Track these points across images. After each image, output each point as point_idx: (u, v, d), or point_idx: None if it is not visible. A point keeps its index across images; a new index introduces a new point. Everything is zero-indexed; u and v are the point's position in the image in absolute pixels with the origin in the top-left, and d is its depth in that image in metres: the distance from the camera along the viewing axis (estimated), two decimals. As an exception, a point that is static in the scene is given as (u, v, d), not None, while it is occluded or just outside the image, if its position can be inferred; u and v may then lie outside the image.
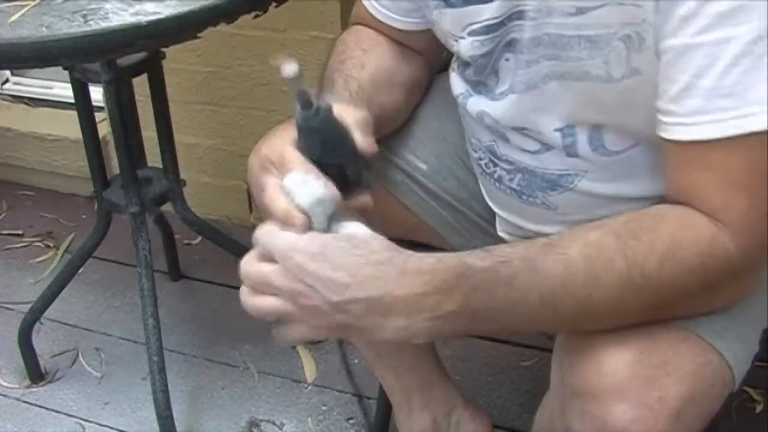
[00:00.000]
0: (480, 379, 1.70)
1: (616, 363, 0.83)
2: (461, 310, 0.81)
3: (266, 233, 0.85)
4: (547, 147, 0.98)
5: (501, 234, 1.13)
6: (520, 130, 0.99)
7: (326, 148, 0.86)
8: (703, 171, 0.81)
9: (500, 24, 0.94)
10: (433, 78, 1.25)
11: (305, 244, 0.82)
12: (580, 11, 0.86)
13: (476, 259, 0.82)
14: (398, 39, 1.14)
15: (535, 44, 0.91)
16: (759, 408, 1.58)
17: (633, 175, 0.97)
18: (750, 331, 0.94)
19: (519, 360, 1.74)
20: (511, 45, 0.95)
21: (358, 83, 1.05)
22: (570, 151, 0.97)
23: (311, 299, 0.81)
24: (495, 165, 1.05)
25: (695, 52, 0.78)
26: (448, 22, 1.00)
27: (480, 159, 1.08)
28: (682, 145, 0.81)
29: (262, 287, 0.84)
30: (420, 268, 0.81)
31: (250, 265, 0.86)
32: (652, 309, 0.83)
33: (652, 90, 0.84)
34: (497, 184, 1.06)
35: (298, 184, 0.85)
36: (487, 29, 0.95)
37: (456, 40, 1.00)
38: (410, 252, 0.83)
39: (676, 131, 0.81)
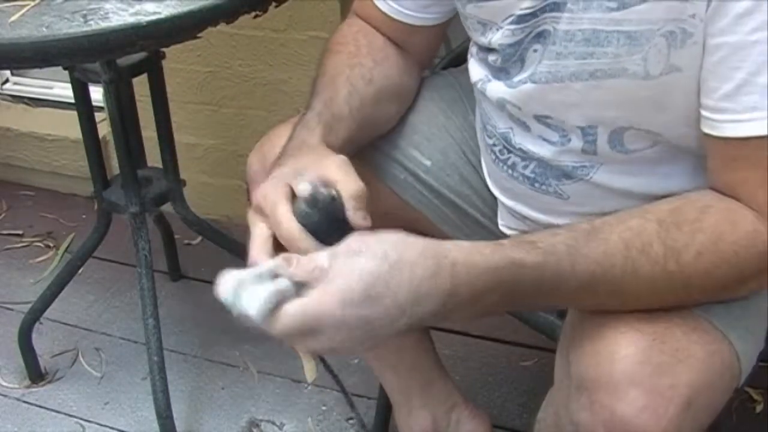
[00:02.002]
0: (480, 379, 1.70)
1: (628, 348, 0.83)
2: (504, 302, 0.82)
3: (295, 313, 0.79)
4: (565, 140, 0.98)
5: (502, 228, 1.14)
6: (544, 119, 0.98)
7: (320, 232, 0.86)
8: (750, 169, 0.82)
9: (533, 15, 0.93)
10: (440, 74, 1.26)
11: (339, 298, 0.77)
12: (622, 6, 0.85)
13: (523, 253, 0.81)
14: (402, 38, 1.13)
15: (568, 39, 0.91)
16: (759, 408, 1.58)
17: (648, 172, 0.97)
18: (758, 325, 0.94)
19: (519, 360, 1.74)
20: (541, 36, 0.94)
21: (360, 100, 1.05)
22: (587, 148, 0.97)
23: (377, 330, 0.78)
24: (509, 152, 1.05)
25: (752, 49, 0.79)
26: (486, 14, 0.99)
27: (494, 145, 1.07)
28: (730, 142, 0.82)
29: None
30: (469, 277, 0.79)
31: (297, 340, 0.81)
32: (681, 295, 0.84)
33: (690, 87, 0.84)
34: (510, 171, 1.06)
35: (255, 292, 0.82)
36: (519, 19, 0.95)
37: (493, 30, 0.99)
38: (450, 250, 0.79)
39: (729, 128, 0.82)
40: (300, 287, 0.79)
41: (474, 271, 0.79)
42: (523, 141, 1.02)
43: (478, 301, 0.80)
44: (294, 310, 0.78)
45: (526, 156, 1.03)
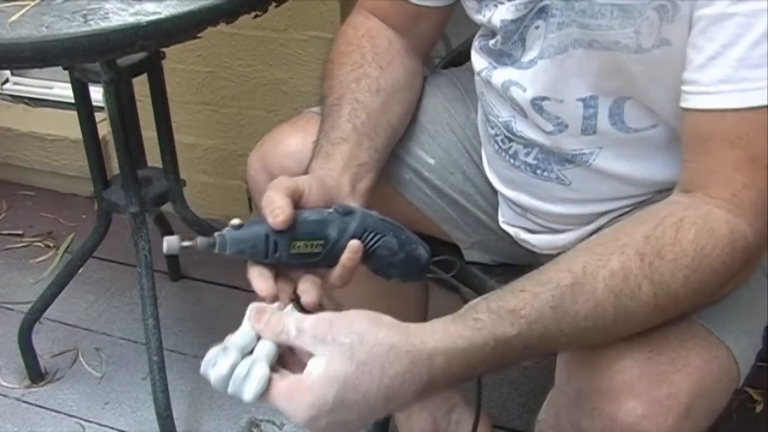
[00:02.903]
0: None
1: (625, 360, 0.83)
2: (489, 371, 0.80)
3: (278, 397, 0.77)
4: (561, 127, 0.98)
5: (503, 226, 1.14)
6: (540, 101, 0.98)
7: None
8: (725, 149, 0.80)
9: None
10: (441, 72, 1.26)
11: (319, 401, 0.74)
12: None
13: (507, 326, 0.78)
14: (408, 24, 1.12)
15: (569, 7, 0.90)
16: (759, 408, 1.58)
17: (648, 156, 0.97)
18: (754, 325, 0.94)
19: (519, 360, 1.73)
20: (542, 12, 0.94)
21: (366, 113, 1.04)
22: (588, 126, 0.96)
23: (354, 424, 0.77)
24: (510, 141, 1.05)
25: (728, 21, 0.78)
26: None
27: (496, 135, 1.07)
28: (703, 117, 0.81)
29: None
30: (450, 366, 0.77)
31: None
32: (672, 316, 0.84)
33: (679, 62, 0.84)
34: (512, 160, 1.06)
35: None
36: None
37: (495, 5, 0.98)
38: (426, 342, 0.76)
39: (697, 100, 0.81)
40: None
41: (455, 360, 0.77)
42: (523, 128, 1.02)
43: (459, 380, 0.79)
44: (274, 400, 0.77)
45: (528, 143, 1.03)
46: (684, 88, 0.83)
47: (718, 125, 0.80)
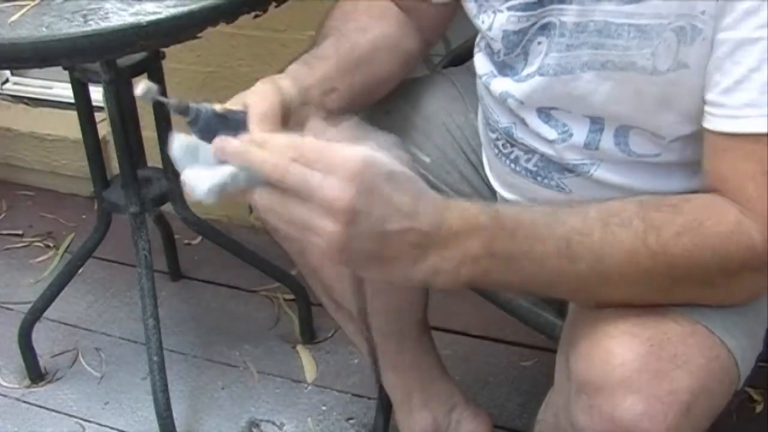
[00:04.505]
0: (480, 379, 1.70)
1: (625, 355, 0.82)
2: (485, 253, 0.79)
3: (312, 144, 0.74)
4: (566, 136, 0.98)
5: None
6: (547, 111, 0.98)
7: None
8: (742, 161, 0.81)
9: (539, 3, 0.93)
10: (440, 73, 1.26)
11: (377, 162, 0.73)
12: None
13: (503, 206, 0.82)
14: (412, 4, 1.12)
15: (580, 30, 0.91)
16: (759, 408, 1.58)
17: (650, 173, 0.97)
18: (757, 328, 0.94)
19: (519, 360, 1.74)
20: (545, 28, 0.94)
21: (350, 44, 1.04)
22: (592, 140, 0.97)
23: (361, 225, 0.73)
24: (512, 146, 1.05)
25: (753, 46, 0.79)
26: None
27: (497, 140, 1.07)
28: (725, 136, 0.82)
29: (302, 195, 0.74)
30: (462, 213, 0.79)
31: (291, 166, 0.73)
32: (666, 284, 0.83)
33: (694, 85, 0.85)
34: (513, 165, 1.06)
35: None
36: (526, 6, 0.95)
37: (494, 12, 0.98)
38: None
39: (723, 123, 0.82)
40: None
41: (462, 209, 0.79)
42: (524, 136, 1.03)
43: (462, 243, 0.78)
44: (286, 139, 0.75)
45: (529, 150, 1.03)
46: (708, 109, 0.84)
47: (737, 143, 0.82)
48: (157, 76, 1.60)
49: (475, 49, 1.08)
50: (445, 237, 0.77)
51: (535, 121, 1.00)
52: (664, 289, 0.84)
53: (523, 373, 1.71)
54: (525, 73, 0.98)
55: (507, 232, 0.79)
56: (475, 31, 1.09)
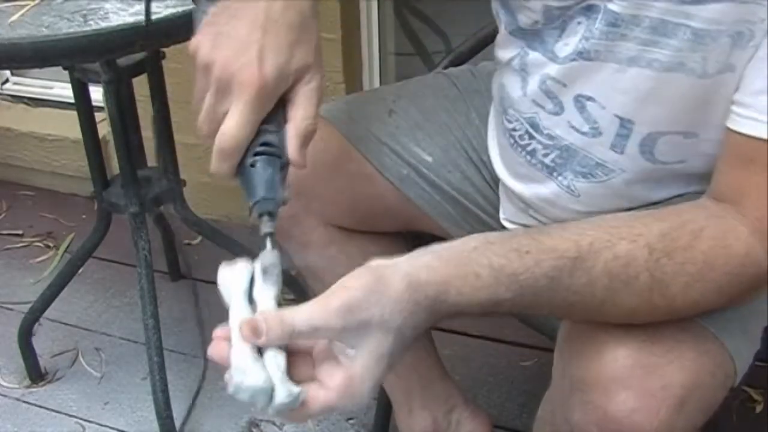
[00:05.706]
0: (480, 379, 1.70)
1: (618, 351, 0.82)
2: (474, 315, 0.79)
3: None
4: (595, 132, 0.96)
5: (504, 223, 1.13)
6: (584, 100, 0.96)
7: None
8: (762, 174, 0.80)
9: None
10: (441, 73, 1.25)
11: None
12: (698, 0, 0.84)
13: (502, 290, 0.77)
14: None
15: (635, 23, 0.88)
16: (759, 408, 1.58)
17: (669, 183, 0.97)
18: (753, 324, 0.94)
19: (519, 360, 1.74)
20: (589, 10, 0.91)
21: None
22: (618, 143, 0.95)
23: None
24: (531, 137, 1.03)
25: None
26: None
27: (514, 130, 1.04)
28: (746, 141, 0.81)
29: None
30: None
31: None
32: (661, 317, 0.83)
33: (735, 86, 0.83)
34: (528, 157, 1.04)
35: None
36: None
37: None
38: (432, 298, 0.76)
39: (746, 124, 0.81)
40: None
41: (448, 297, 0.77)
42: (552, 125, 1.00)
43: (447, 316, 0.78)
44: (320, 406, 0.80)
45: (552, 142, 1.00)
46: (735, 108, 0.83)
47: (758, 151, 0.80)
48: (156, 76, 1.60)
49: (497, 40, 1.05)
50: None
51: (571, 108, 0.97)
52: (657, 318, 0.84)
53: (523, 373, 1.71)
54: (562, 54, 0.95)
55: (501, 306, 0.78)
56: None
